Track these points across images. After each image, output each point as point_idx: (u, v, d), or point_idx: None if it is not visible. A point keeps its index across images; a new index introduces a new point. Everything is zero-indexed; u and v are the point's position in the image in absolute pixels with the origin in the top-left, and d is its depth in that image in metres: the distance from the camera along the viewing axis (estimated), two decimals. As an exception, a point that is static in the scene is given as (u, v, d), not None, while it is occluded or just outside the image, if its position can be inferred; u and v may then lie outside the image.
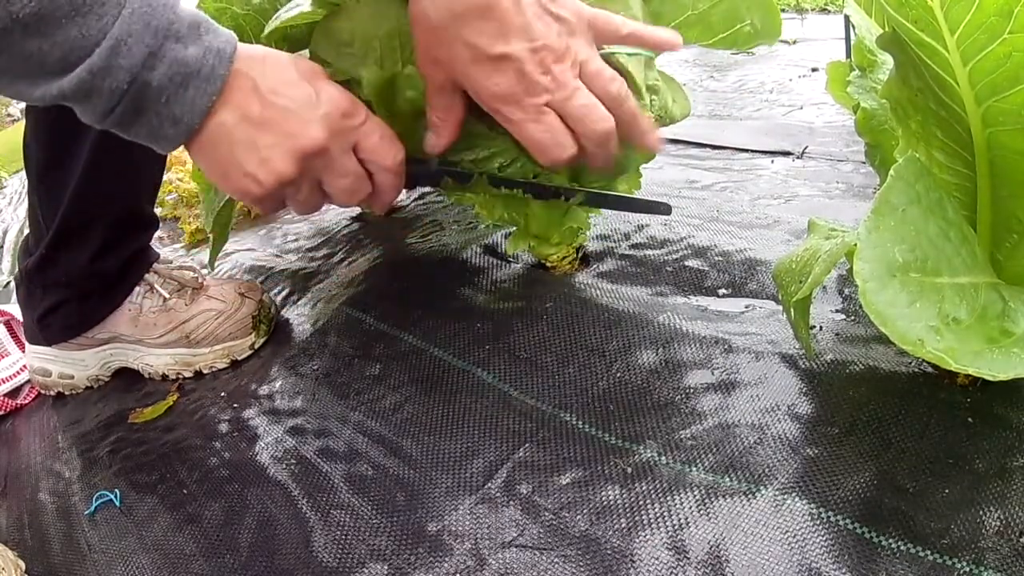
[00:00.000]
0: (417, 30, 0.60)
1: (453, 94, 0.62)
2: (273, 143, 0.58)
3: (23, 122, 0.91)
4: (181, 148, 0.59)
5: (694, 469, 0.55)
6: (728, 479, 0.53)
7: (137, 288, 0.94)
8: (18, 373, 1.05)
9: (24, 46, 0.52)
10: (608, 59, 0.61)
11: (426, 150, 0.66)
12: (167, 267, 0.96)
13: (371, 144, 0.62)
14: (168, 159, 1.31)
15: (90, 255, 0.89)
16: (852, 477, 0.50)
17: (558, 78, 0.58)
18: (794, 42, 1.78)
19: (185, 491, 0.73)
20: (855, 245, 0.42)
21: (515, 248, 0.81)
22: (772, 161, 1.09)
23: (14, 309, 1.10)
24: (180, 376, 0.94)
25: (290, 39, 0.76)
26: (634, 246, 0.84)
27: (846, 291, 0.69)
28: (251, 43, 0.65)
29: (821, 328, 0.64)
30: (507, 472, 0.61)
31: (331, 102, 0.60)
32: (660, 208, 0.72)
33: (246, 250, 1.25)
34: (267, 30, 0.73)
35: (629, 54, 0.63)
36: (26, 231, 0.96)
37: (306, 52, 0.80)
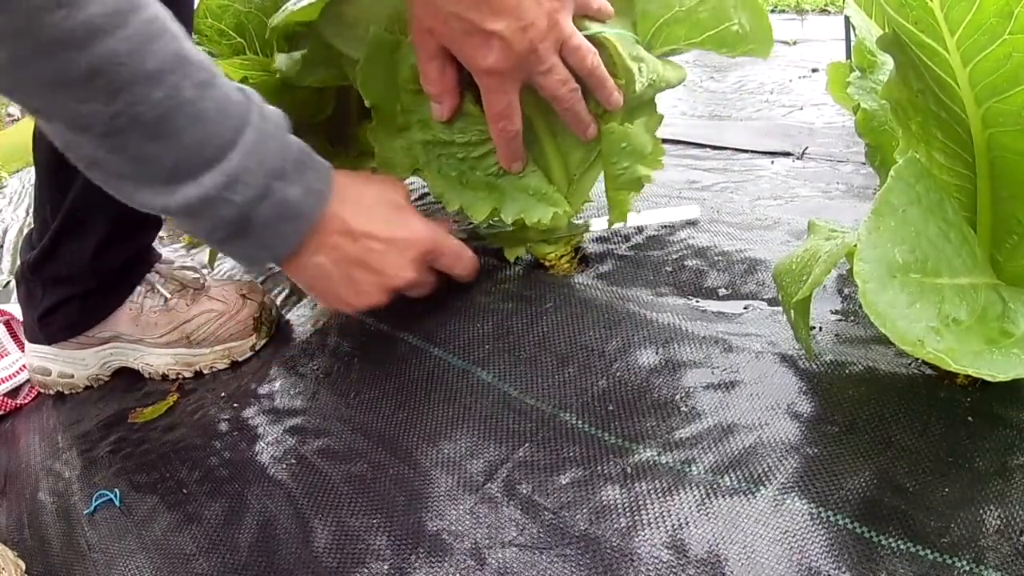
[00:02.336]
0: (413, 1, 0.63)
1: (444, 62, 0.65)
2: (369, 281, 0.66)
3: (23, 122, 0.91)
4: None
5: (694, 469, 0.55)
6: (728, 479, 0.53)
7: (138, 287, 0.94)
8: (18, 372, 1.05)
9: (135, 148, 0.53)
10: (592, 38, 0.67)
11: (432, 120, 0.71)
12: (169, 267, 0.96)
13: (446, 263, 0.72)
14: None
15: (93, 249, 0.89)
16: (852, 476, 0.50)
17: (541, 55, 0.63)
18: (794, 43, 1.79)
19: (185, 491, 0.73)
20: (855, 246, 0.42)
21: (513, 254, 0.81)
22: (772, 162, 1.09)
23: (14, 309, 1.10)
24: (180, 376, 0.94)
25: (293, 35, 0.76)
26: (634, 247, 0.84)
27: (846, 291, 0.69)
28: (253, 39, 0.67)
29: (821, 328, 0.64)
30: (507, 472, 0.61)
31: (417, 243, 0.68)
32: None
33: (246, 250, 1.25)
34: (273, 22, 0.73)
35: (618, 33, 0.68)
36: (26, 230, 0.96)
37: (302, 53, 0.81)
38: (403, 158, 0.74)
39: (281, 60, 0.86)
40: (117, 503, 0.74)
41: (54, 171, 0.88)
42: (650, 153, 0.73)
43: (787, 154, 1.11)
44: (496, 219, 0.74)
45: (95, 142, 0.53)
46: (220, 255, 1.16)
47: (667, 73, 0.74)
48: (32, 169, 1.02)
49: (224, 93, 0.56)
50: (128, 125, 0.51)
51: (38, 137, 0.88)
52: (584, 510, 0.55)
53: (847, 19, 1.29)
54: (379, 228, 0.66)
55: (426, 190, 1.15)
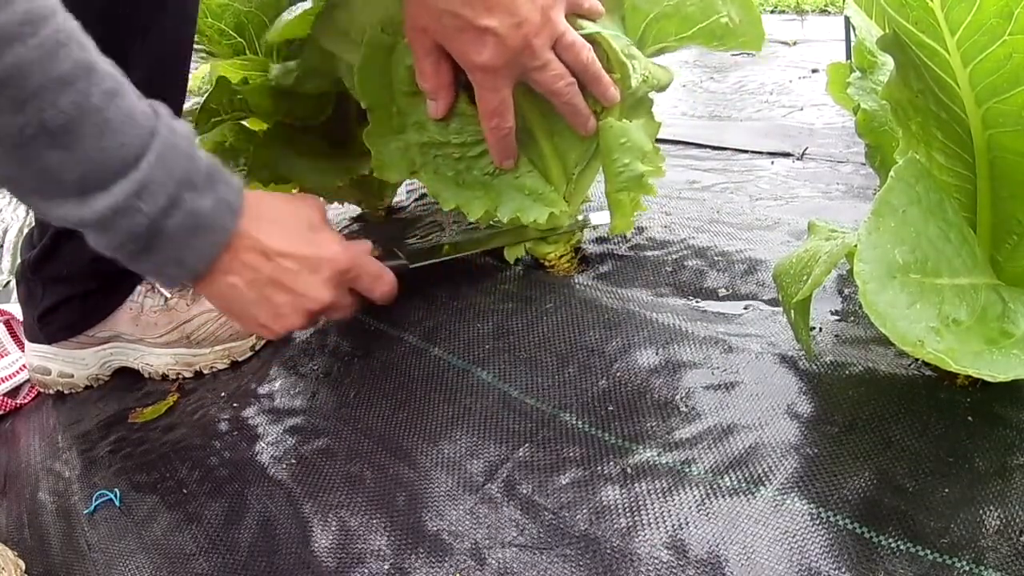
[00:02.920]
0: (407, 0, 0.64)
1: (439, 60, 0.66)
2: (285, 302, 0.64)
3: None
4: None
5: (694, 469, 0.55)
6: (728, 479, 0.53)
7: (139, 287, 0.94)
8: (17, 372, 1.05)
9: (45, 158, 0.51)
10: (585, 36, 0.67)
11: (428, 118, 0.71)
12: (168, 267, 0.96)
13: (364, 285, 0.69)
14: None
15: (94, 248, 0.89)
16: (852, 477, 0.50)
17: (535, 51, 0.63)
18: (794, 43, 1.79)
19: (185, 491, 0.73)
20: (855, 246, 0.42)
21: (512, 255, 0.81)
22: (772, 162, 1.09)
23: (14, 309, 1.10)
24: (180, 376, 0.94)
25: (293, 39, 0.77)
26: (634, 247, 0.84)
27: (846, 292, 0.69)
28: (253, 39, 0.67)
29: (821, 329, 0.65)
30: (507, 472, 0.61)
31: (333, 262, 0.66)
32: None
33: (246, 250, 1.25)
34: (268, 38, 0.74)
35: (610, 31, 0.69)
36: (26, 229, 0.96)
37: (297, 62, 0.81)
38: (399, 160, 0.74)
39: (276, 71, 0.86)
40: (117, 503, 0.74)
41: None
42: (650, 152, 0.73)
43: (787, 154, 1.11)
44: (495, 220, 0.74)
45: (6, 157, 0.51)
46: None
47: (658, 72, 0.74)
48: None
49: (131, 103, 0.54)
50: (36, 135, 0.50)
51: None
52: (584, 510, 0.55)
53: (847, 19, 1.29)
54: (294, 247, 0.63)
55: (425, 190, 1.15)
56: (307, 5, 0.70)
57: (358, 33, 0.70)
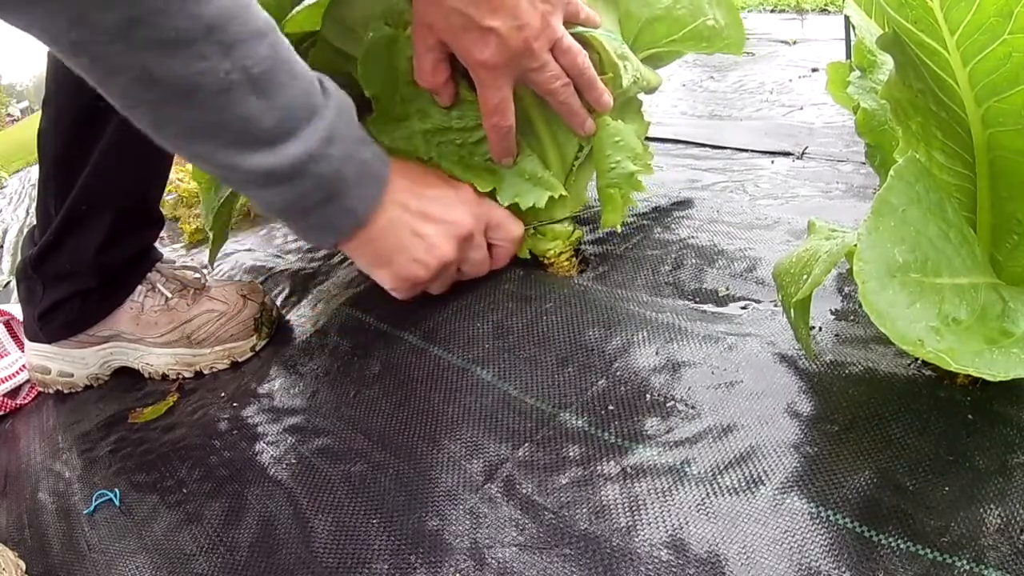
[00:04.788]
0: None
1: (440, 58, 0.69)
2: (436, 231, 0.69)
3: (23, 122, 0.91)
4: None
5: (694, 468, 0.55)
6: (728, 478, 0.53)
7: (139, 287, 0.94)
8: (17, 373, 1.05)
9: (246, 105, 0.55)
10: (580, 37, 0.71)
11: (431, 104, 0.74)
12: (170, 267, 0.96)
13: (497, 221, 0.74)
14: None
15: (97, 245, 0.89)
16: (852, 476, 0.50)
17: (535, 53, 0.66)
18: (794, 42, 1.79)
19: (185, 491, 0.73)
20: (855, 245, 0.42)
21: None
22: (772, 161, 1.09)
23: (14, 309, 1.10)
24: (180, 376, 0.94)
25: (303, 37, 0.77)
26: (633, 247, 0.84)
27: (846, 291, 0.69)
28: None
29: (821, 328, 0.64)
30: (507, 472, 0.61)
31: (467, 194, 0.72)
32: None
33: (246, 250, 1.25)
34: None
35: (604, 33, 0.73)
36: (26, 229, 0.96)
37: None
38: (404, 148, 0.76)
39: None
40: (117, 503, 0.74)
41: (60, 163, 0.88)
42: (641, 152, 0.76)
43: (787, 154, 1.11)
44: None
45: (210, 105, 0.54)
46: (219, 256, 1.15)
47: (648, 75, 0.77)
48: (32, 169, 1.02)
49: (301, 60, 0.59)
50: (239, 81, 0.53)
51: (44, 131, 0.89)
52: (584, 510, 0.55)
53: (847, 19, 1.29)
54: (432, 185, 0.70)
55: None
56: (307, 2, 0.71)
57: (362, 27, 0.72)
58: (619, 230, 0.83)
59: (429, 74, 0.69)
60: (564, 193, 0.76)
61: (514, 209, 0.76)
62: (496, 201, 0.75)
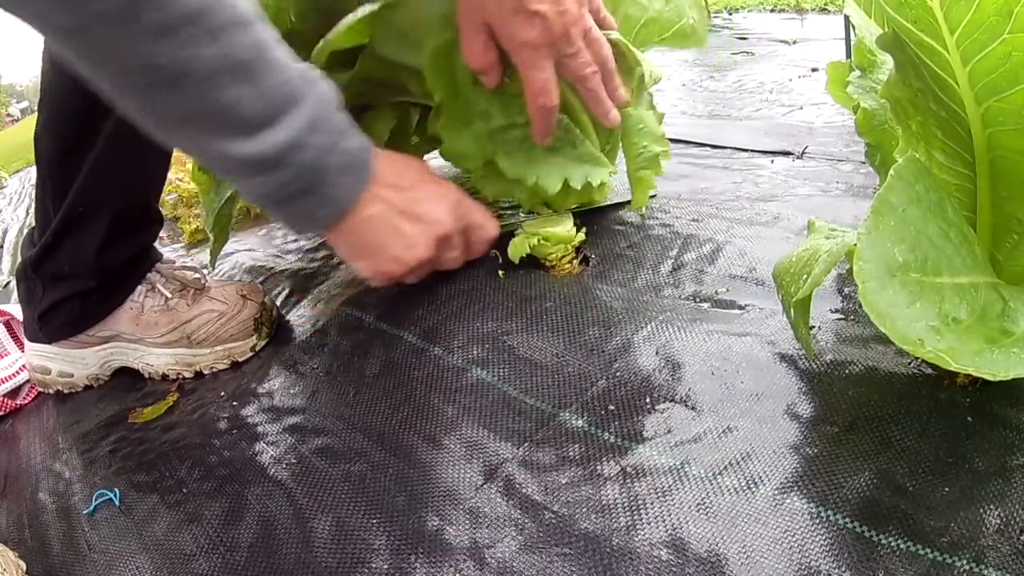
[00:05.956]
0: None
1: (488, 40, 0.71)
2: (417, 231, 0.69)
3: (23, 122, 0.91)
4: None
5: (693, 468, 0.55)
6: (727, 478, 0.53)
7: (139, 287, 0.94)
8: (17, 373, 1.05)
9: (231, 92, 0.56)
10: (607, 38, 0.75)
11: (489, 104, 0.77)
12: (170, 267, 0.96)
13: (476, 222, 0.76)
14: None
15: (96, 245, 0.89)
16: (852, 476, 0.50)
17: (572, 39, 0.69)
18: (794, 42, 1.79)
19: (185, 491, 0.73)
20: (855, 245, 0.42)
21: (517, 254, 0.81)
22: (772, 161, 1.09)
23: (14, 309, 1.10)
24: (180, 376, 0.94)
25: (337, 58, 0.77)
26: (633, 246, 0.84)
27: (846, 291, 0.69)
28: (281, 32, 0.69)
29: (821, 328, 0.64)
30: (507, 472, 0.61)
31: (451, 193, 0.73)
32: None
33: (246, 250, 1.25)
34: (315, 57, 0.73)
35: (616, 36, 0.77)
36: (26, 230, 0.96)
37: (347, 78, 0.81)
38: (473, 147, 0.78)
39: None
40: (117, 503, 0.74)
41: (57, 165, 0.88)
42: (660, 136, 0.82)
43: (787, 153, 1.11)
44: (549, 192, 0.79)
45: (195, 92, 0.54)
46: (219, 256, 1.15)
47: (655, 70, 0.82)
48: (32, 169, 1.02)
49: (283, 48, 0.59)
50: (223, 69, 0.54)
51: (41, 132, 0.88)
52: (584, 510, 0.55)
53: (847, 18, 1.29)
54: (419, 181, 0.71)
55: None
56: (359, 14, 0.71)
57: (418, 33, 0.74)
58: (628, 235, 0.86)
59: (480, 55, 0.71)
60: (614, 171, 0.81)
61: (586, 188, 0.79)
62: (569, 187, 0.77)
